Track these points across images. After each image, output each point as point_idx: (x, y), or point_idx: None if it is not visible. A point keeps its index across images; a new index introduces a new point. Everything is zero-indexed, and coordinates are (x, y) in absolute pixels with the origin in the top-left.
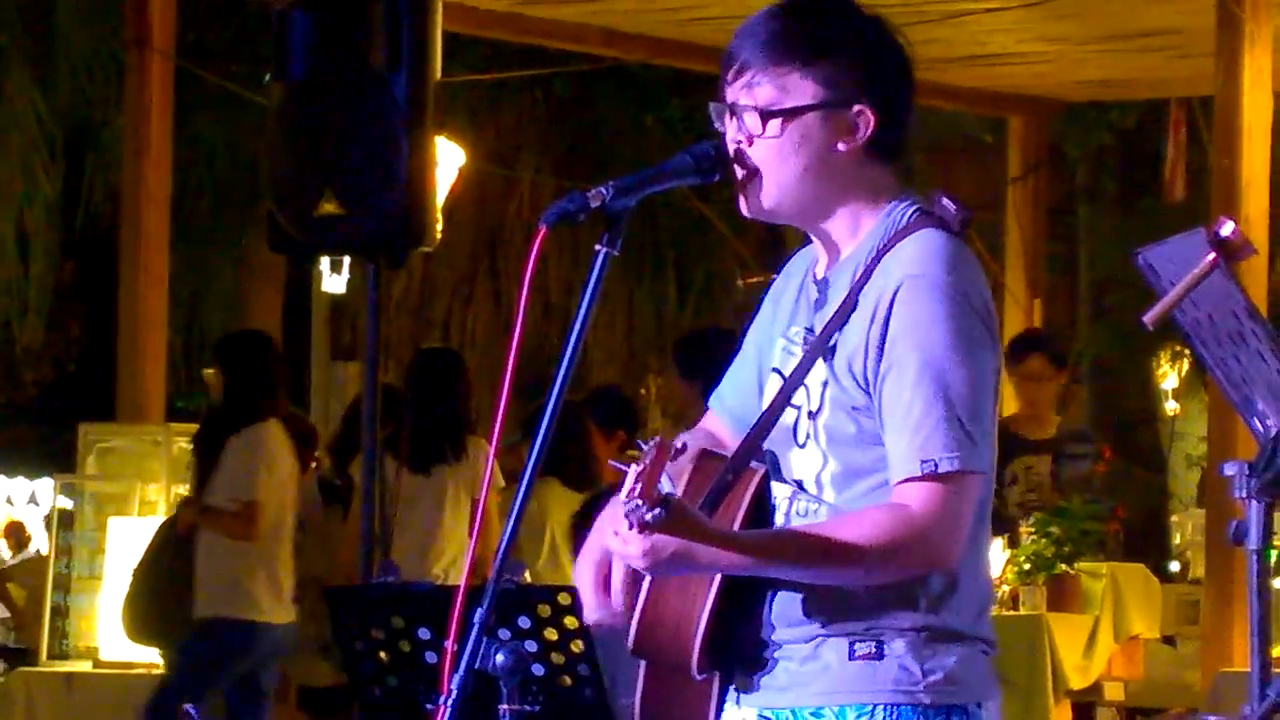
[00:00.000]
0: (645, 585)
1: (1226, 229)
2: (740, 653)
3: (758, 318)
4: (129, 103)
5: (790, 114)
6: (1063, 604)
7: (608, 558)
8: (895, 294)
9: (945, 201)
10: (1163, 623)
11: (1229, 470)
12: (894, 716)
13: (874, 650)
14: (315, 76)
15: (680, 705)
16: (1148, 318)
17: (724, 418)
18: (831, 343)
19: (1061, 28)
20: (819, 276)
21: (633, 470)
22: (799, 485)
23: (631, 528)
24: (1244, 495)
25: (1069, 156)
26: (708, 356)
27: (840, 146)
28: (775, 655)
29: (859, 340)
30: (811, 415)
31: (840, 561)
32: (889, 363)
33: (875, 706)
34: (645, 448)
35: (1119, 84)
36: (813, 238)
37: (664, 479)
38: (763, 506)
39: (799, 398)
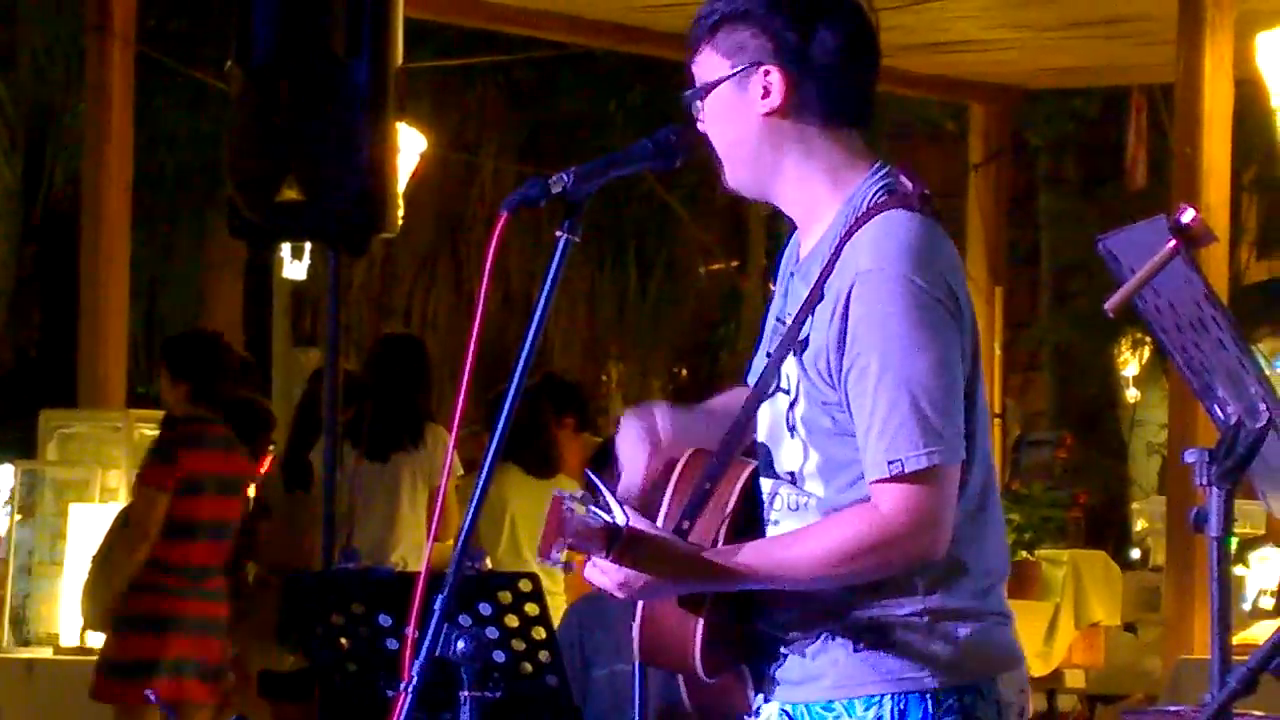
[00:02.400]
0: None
1: (1187, 216)
2: (752, 647)
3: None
4: (90, 89)
5: (707, 90)
6: (1023, 591)
7: (655, 437)
8: (851, 290)
9: (902, 179)
10: (1123, 610)
11: (1189, 457)
12: (903, 704)
13: (879, 640)
14: (276, 62)
15: (726, 696)
16: (1108, 305)
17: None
18: (802, 335)
19: (1023, 15)
20: (799, 258)
21: (613, 500)
22: (790, 478)
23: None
24: (1204, 482)
25: (1031, 144)
26: (196, 359)
27: (761, 111)
28: (787, 650)
29: (822, 337)
30: (792, 406)
31: (811, 572)
32: (849, 363)
33: (883, 696)
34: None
35: (1081, 71)
36: (787, 216)
37: (613, 504)
38: (752, 502)
39: (787, 386)
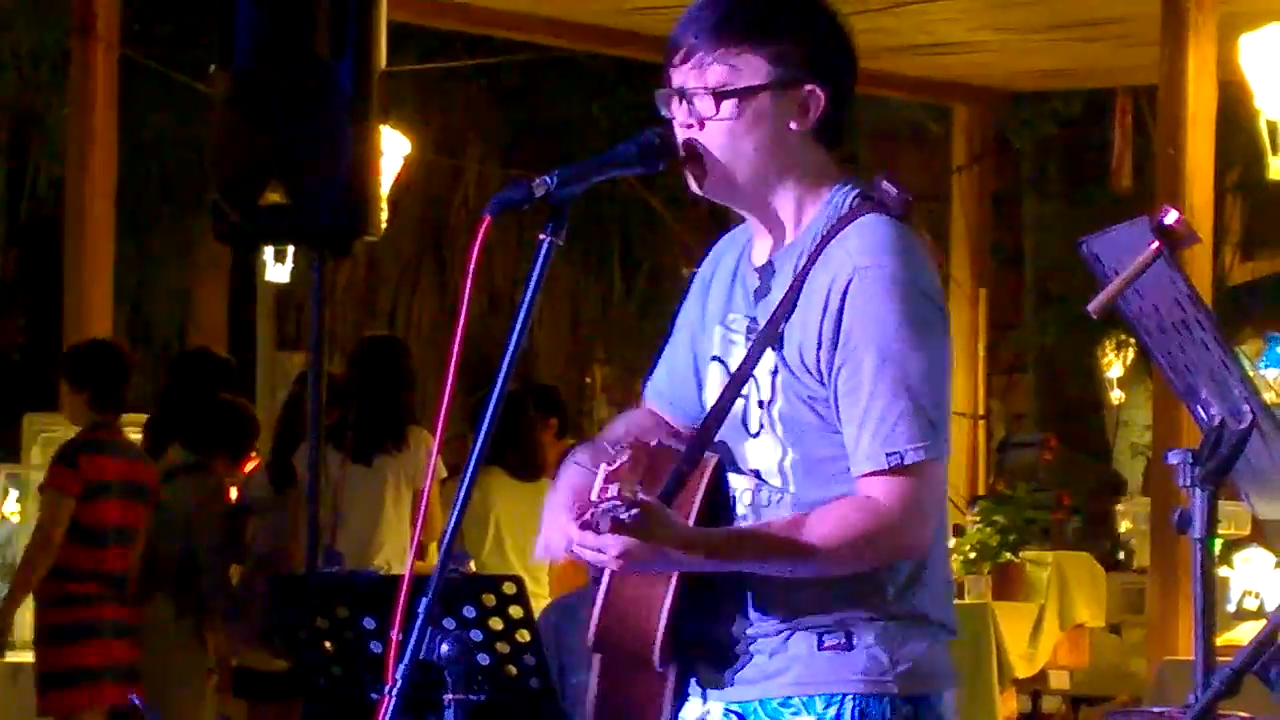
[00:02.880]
0: (605, 579)
1: (1170, 218)
2: (705, 647)
3: (687, 304)
4: (73, 92)
5: (744, 94)
6: (1008, 593)
7: (585, 491)
8: (848, 286)
9: (886, 185)
10: (1108, 611)
11: (1173, 459)
12: (862, 706)
13: (843, 641)
14: (260, 66)
15: (636, 701)
16: (1091, 306)
17: (662, 405)
18: (780, 331)
19: (1006, 17)
20: (759, 263)
21: (603, 470)
22: (757, 475)
23: (602, 530)
24: (1188, 484)
25: (1014, 146)
26: (95, 368)
27: (793, 126)
28: (744, 649)
29: (810, 331)
30: (763, 404)
31: (810, 557)
32: (844, 357)
33: (844, 696)
34: (616, 449)
35: (1064, 73)
36: (750, 221)
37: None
38: (718, 496)
39: (746, 387)
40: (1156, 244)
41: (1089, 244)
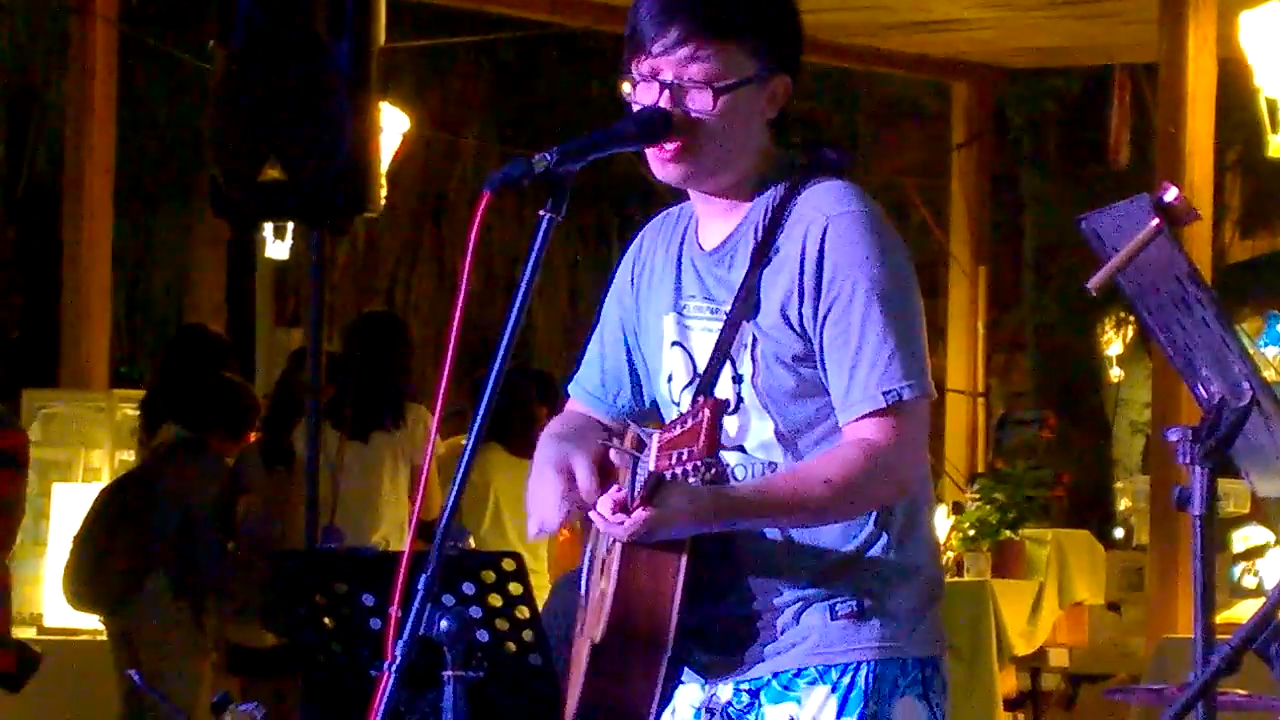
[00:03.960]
0: (612, 572)
1: (1170, 195)
2: (713, 629)
3: (614, 298)
4: (72, 69)
5: (737, 87)
6: (1007, 570)
7: (566, 460)
8: (824, 234)
9: (827, 152)
10: (1107, 589)
11: (1173, 436)
12: (877, 671)
13: (855, 609)
14: (258, 43)
15: (623, 691)
16: (1091, 283)
17: (593, 405)
18: (754, 301)
19: None
20: (713, 244)
21: (656, 438)
22: (741, 449)
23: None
24: (1188, 461)
25: (1013, 123)
26: None
27: (764, 116)
28: (755, 627)
29: (789, 287)
30: (738, 379)
31: (821, 504)
32: (830, 299)
33: (861, 664)
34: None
35: (1063, 51)
36: (701, 206)
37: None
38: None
39: (735, 367)
40: (1156, 221)
41: (1088, 221)
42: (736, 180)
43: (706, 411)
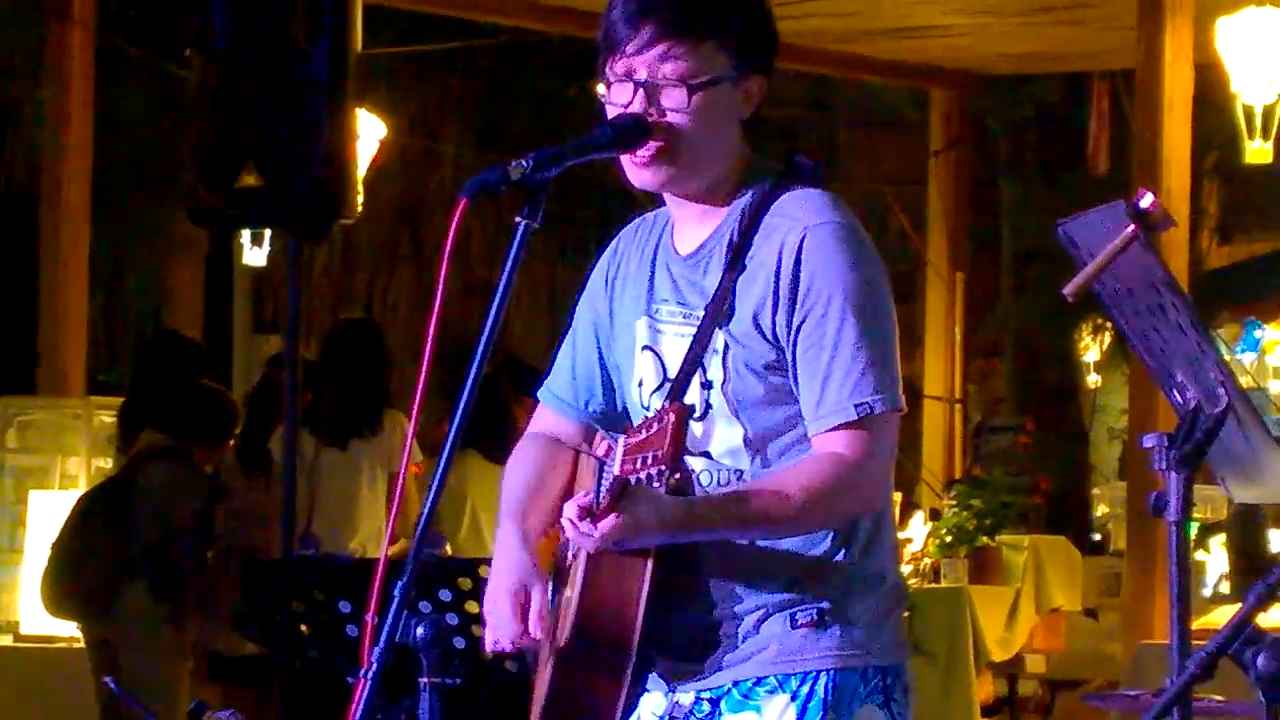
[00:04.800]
0: (578, 580)
1: (1146, 201)
2: (677, 636)
3: (587, 301)
4: (49, 76)
5: (712, 85)
6: (984, 576)
7: (524, 586)
8: (801, 243)
9: (802, 159)
10: (1084, 595)
11: (1148, 442)
12: (837, 680)
13: (815, 617)
14: (236, 49)
15: (588, 699)
16: (1067, 290)
17: (563, 411)
18: (726, 308)
19: (983, 1)
20: (688, 249)
21: (622, 443)
22: (708, 455)
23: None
24: (1163, 467)
25: (991, 130)
26: None
27: (740, 116)
28: (716, 635)
29: (762, 295)
30: (708, 385)
31: (787, 516)
32: (805, 310)
33: (820, 673)
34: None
35: (1041, 57)
36: (676, 209)
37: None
38: (682, 479)
39: (703, 373)
40: (1132, 227)
41: (1065, 227)
42: (712, 182)
43: (671, 416)
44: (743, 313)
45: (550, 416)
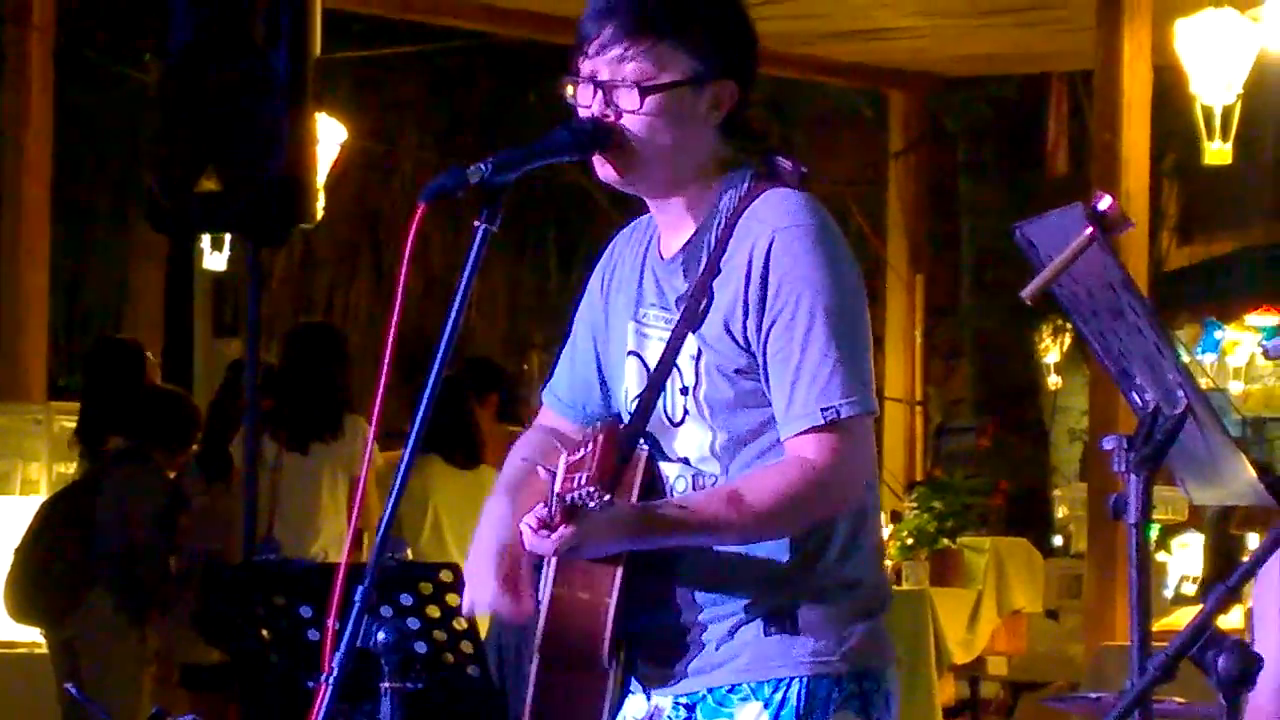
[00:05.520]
0: (548, 583)
1: (1104, 203)
2: (652, 641)
3: (586, 305)
4: (8, 80)
5: (667, 88)
6: (945, 578)
7: (505, 549)
8: (770, 247)
9: (781, 161)
10: (1045, 597)
11: (1108, 444)
12: (809, 687)
13: (789, 624)
14: (194, 53)
15: (575, 701)
16: (1025, 292)
17: (563, 412)
18: (699, 312)
19: (942, 3)
20: (669, 254)
21: (564, 461)
22: (686, 462)
23: (558, 519)
24: (1123, 469)
25: (950, 131)
26: None
27: (709, 120)
28: (691, 640)
29: (733, 300)
30: (685, 391)
31: (751, 521)
32: (774, 314)
33: (792, 680)
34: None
35: (1000, 58)
36: (657, 213)
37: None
38: (654, 488)
39: (673, 379)
40: (1090, 229)
41: (1022, 229)
42: (674, 183)
43: (600, 437)
44: (714, 317)
45: (551, 417)
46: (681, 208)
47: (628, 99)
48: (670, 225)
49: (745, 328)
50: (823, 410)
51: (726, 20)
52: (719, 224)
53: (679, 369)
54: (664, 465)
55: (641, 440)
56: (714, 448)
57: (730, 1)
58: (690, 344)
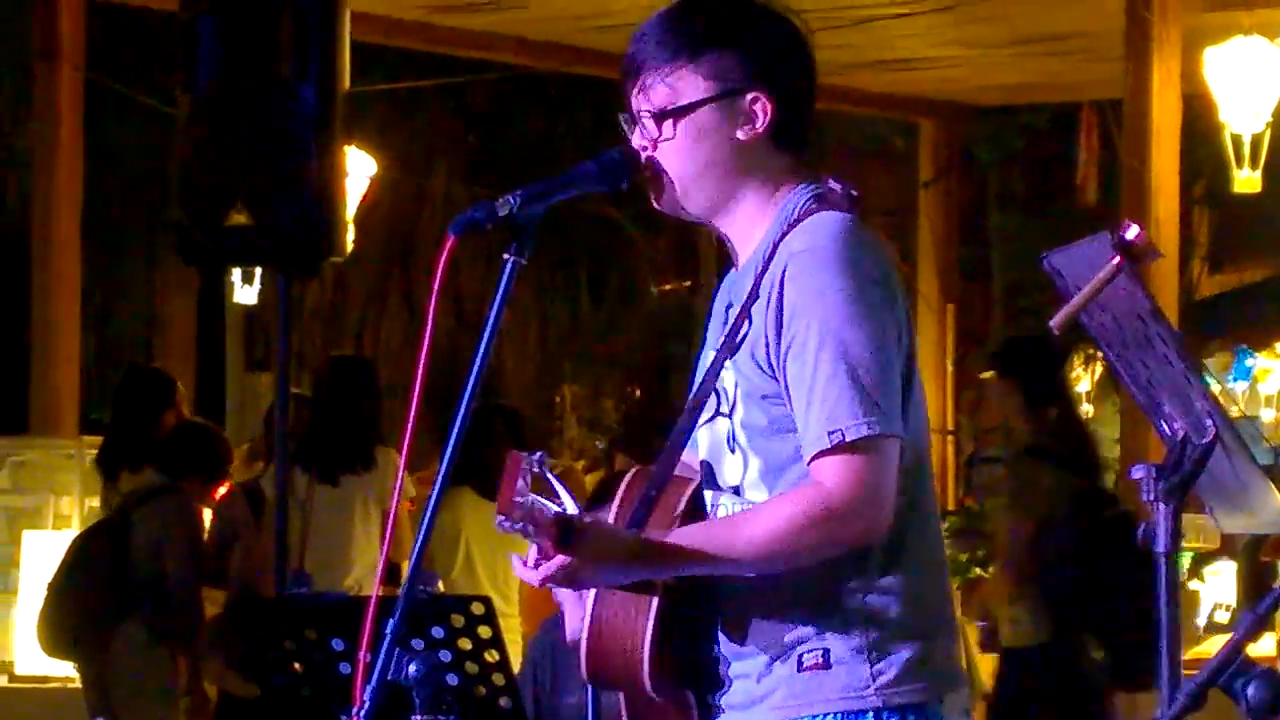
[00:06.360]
0: (589, 611)
1: (1131, 232)
2: (699, 673)
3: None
4: (39, 114)
5: (683, 111)
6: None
7: None
8: (785, 271)
9: (832, 183)
10: None
11: (1136, 473)
12: None
13: (821, 659)
14: (223, 87)
15: None
16: (1053, 322)
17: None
18: (739, 339)
19: (971, 32)
20: (734, 280)
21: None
22: (734, 490)
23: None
24: (1151, 498)
25: (980, 161)
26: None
27: (740, 136)
28: (732, 674)
29: (759, 326)
30: (728, 416)
31: (757, 550)
32: (787, 341)
33: (825, 716)
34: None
35: (1029, 88)
36: (726, 239)
37: (563, 495)
38: (695, 516)
39: (724, 405)
40: (1118, 259)
41: (1050, 259)
42: (721, 203)
43: (509, 463)
44: (746, 346)
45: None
46: (739, 229)
47: (650, 128)
48: (739, 245)
49: (768, 353)
50: (829, 433)
51: (753, 32)
52: (767, 246)
53: (724, 394)
54: (714, 494)
55: (673, 470)
56: (750, 476)
57: (760, 13)
58: (728, 370)
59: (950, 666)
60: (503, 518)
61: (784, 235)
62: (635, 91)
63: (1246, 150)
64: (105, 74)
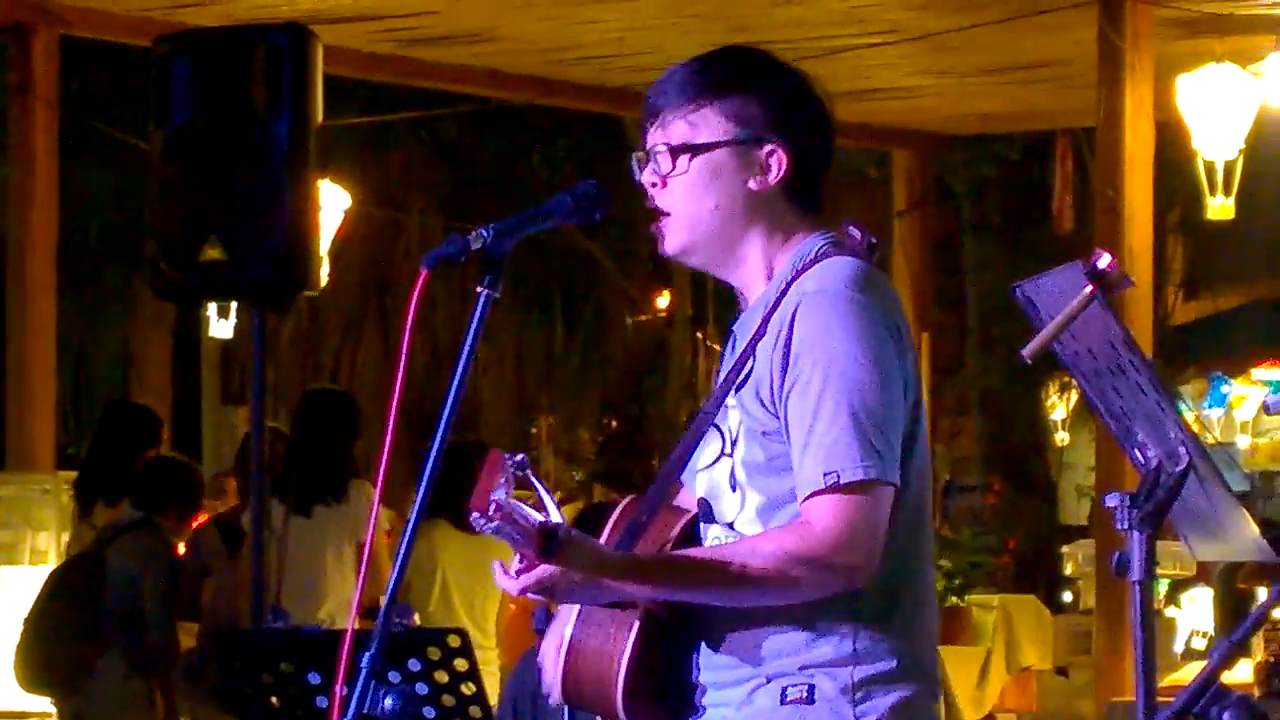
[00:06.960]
0: (567, 634)
1: (1103, 261)
2: (675, 699)
3: None
4: (13, 151)
5: (701, 149)
6: (954, 637)
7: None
8: (795, 312)
9: (852, 230)
10: (1055, 653)
11: (1110, 502)
12: None
13: (805, 694)
14: (196, 122)
15: None
16: (1026, 351)
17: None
18: (742, 375)
19: (943, 61)
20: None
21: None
22: (729, 525)
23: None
24: (1125, 526)
25: (954, 189)
26: None
27: (751, 185)
28: (709, 701)
29: (764, 364)
30: (729, 454)
31: (739, 581)
32: (791, 380)
33: None
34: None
35: (1003, 117)
36: (731, 285)
37: (548, 503)
38: (689, 546)
39: (726, 445)
40: (1090, 288)
41: (1022, 289)
42: (727, 251)
43: (488, 460)
44: (750, 382)
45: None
46: (745, 275)
47: (664, 161)
48: (747, 290)
49: (772, 391)
50: (825, 475)
51: (777, 85)
52: (779, 285)
53: (727, 434)
54: (707, 528)
55: (664, 500)
56: (750, 513)
57: (785, 68)
58: (731, 404)
59: (930, 717)
60: (477, 514)
61: (797, 276)
62: (654, 128)
63: (1220, 177)
64: (79, 111)
